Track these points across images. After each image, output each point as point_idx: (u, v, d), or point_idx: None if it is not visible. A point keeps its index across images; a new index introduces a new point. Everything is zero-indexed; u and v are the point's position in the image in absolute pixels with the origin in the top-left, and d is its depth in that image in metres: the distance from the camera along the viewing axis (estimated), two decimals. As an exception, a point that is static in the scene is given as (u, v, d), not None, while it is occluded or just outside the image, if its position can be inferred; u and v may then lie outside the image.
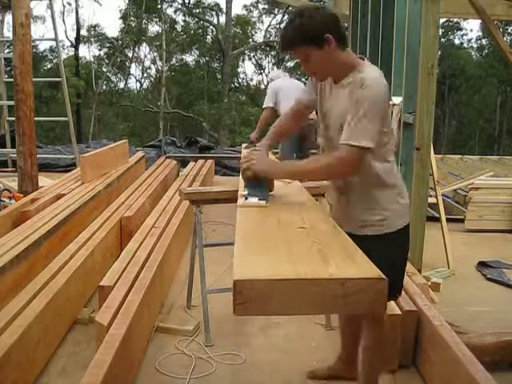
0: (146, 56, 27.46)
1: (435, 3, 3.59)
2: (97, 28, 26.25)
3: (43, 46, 24.75)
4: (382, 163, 2.04)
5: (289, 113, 2.38)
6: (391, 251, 2.05)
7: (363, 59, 2.03)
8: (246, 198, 1.99)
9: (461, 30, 27.27)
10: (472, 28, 40.80)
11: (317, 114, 2.25)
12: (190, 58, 27.18)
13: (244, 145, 4.56)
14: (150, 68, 28.00)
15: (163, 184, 5.94)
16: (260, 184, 2.05)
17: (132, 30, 25.51)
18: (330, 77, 2.06)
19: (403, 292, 2.97)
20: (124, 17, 25.49)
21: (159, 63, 26.26)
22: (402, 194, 2.14)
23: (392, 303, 2.72)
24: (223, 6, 23.98)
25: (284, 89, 5.68)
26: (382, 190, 2.06)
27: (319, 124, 2.21)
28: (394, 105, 4.14)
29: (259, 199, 1.97)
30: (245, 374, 2.70)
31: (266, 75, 26.87)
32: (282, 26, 2.08)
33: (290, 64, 26.49)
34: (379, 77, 1.95)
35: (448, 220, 4.64)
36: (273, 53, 26.33)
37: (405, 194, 2.16)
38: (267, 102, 5.92)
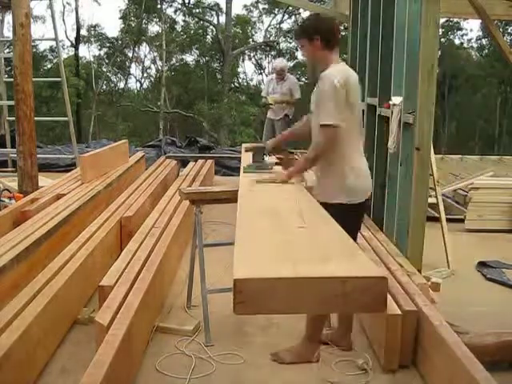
0: (145, 56, 27.45)
1: (435, 3, 3.59)
2: (97, 28, 26.22)
3: (43, 46, 24.68)
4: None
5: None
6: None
7: (345, 61, 2.74)
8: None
9: (461, 29, 27.22)
10: (472, 28, 40.65)
11: None
12: (190, 58, 27.16)
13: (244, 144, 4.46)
14: (150, 68, 27.98)
15: (163, 184, 5.94)
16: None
17: (132, 30, 25.47)
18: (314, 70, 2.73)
19: (403, 292, 2.97)
20: (124, 17, 25.46)
21: (159, 63, 26.24)
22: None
23: (393, 304, 2.72)
24: (223, 5, 23.99)
25: None
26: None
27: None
28: (394, 105, 4.14)
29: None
30: (245, 374, 2.70)
31: (266, 75, 26.85)
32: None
33: (290, 64, 26.49)
34: (333, 73, 2.58)
35: (448, 220, 4.64)
36: (273, 53, 26.30)
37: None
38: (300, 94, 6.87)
